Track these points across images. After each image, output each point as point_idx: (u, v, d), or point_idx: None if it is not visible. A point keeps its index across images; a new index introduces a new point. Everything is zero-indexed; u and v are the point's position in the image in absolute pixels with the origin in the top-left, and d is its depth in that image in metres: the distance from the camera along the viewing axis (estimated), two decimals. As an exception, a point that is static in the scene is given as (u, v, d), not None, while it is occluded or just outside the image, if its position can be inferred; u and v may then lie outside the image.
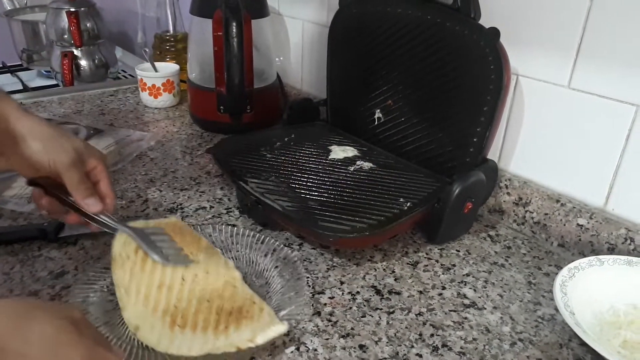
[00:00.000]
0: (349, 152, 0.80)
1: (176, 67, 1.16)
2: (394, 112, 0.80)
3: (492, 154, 0.73)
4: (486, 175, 0.69)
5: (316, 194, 0.69)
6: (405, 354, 0.53)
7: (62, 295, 0.58)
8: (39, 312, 0.40)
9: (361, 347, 0.53)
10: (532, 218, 0.73)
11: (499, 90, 0.66)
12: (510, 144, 0.76)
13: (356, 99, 0.85)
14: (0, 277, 0.61)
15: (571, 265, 0.59)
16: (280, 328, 0.51)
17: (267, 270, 0.62)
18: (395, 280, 0.63)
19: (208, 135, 1.03)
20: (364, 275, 0.64)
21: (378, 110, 0.82)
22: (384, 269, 0.65)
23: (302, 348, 0.53)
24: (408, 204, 0.66)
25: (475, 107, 0.68)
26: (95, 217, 0.58)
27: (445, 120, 0.73)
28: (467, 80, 0.69)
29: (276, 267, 0.62)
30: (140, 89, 1.15)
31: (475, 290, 0.62)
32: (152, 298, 0.53)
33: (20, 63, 1.56)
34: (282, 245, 0.64)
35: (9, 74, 1.52)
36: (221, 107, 0.98)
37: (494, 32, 0.65)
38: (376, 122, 0.83)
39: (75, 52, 1.36)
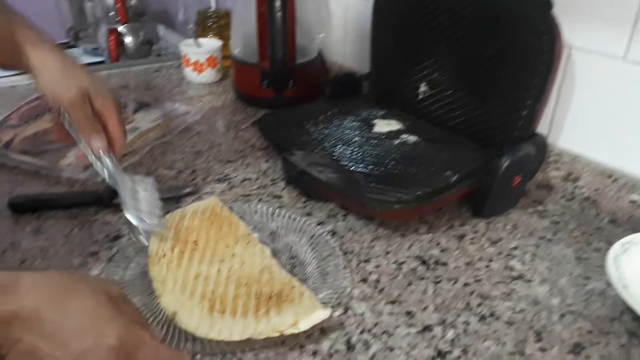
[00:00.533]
0: (393, 125, 0.80)
1: (219, 43, 1.17)
2: (440, 85, 0.79)
3: (541, 128, 0.71)
4: (535, 149, 0.68)
5: (361, 165, 0.69)
6: (452, 322, 0.53)
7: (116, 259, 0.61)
8: (80, 286, 0.41)
9: (408, 313, 0.54)
10: (582, 194, 0.72)
11: (551, 61, 0.65)
12: (560, 118, 0.74)
13: (400, 72, 0.85)
14: (61, 238, 0.65)
15: (624, 239, 0.58)
16: (323, 313, 0.50)
17: (303, 253, 0.62)
18: (441, 251, 0.63)
19: (251, 110, 1.04)
20: (410, 246, 0.64)
21: (423, 84, 0.81)
22: (429, 241, 0.65)
23: (349, 312, 0.54)
24: (455, 177, 0.66)
25: (526, 79, 0.67)
26: (99, 158, 0.61)
27: (494, 93, 0.72)
28: (518, 51, 0.68)
29: (312, 248, 0.62)
30: (184, 65, 1.17)
31: (523, 263, 0.62)
32: (189, 286, 0.53)
33: (67, 41, 1.60)
34: (317, 226, 0.65)
35: (57, 52, 1.57)
36: (264, 82, 0.99)
37: (547, 3, 0.63)
38: (421, 96, 0.82)
39: (121, 29, 1.40)
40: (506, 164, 0.65)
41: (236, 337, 0.48)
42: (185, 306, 0.51)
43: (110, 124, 0.61)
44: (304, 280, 0.56)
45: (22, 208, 0.69)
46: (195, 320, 0.50)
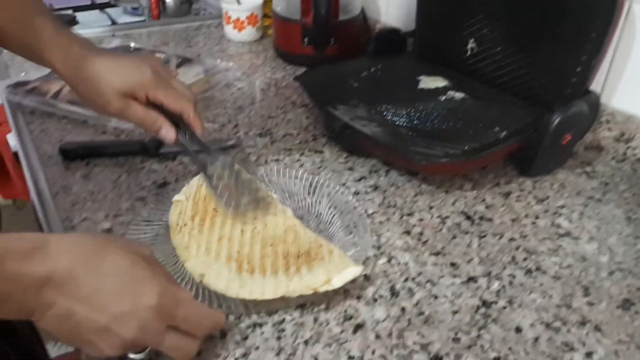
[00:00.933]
0: (439, 82, 0.78)
1: (260, 0, 1.16)
2: (489, 41, 0.77)
3: (594, 86, 0.69)
4: (588, 107, 0.66)
5: (406, 120, 0.68)
6: (497, 274, 0.53)
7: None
8: (112, 247, 0.40)
9: (452, 264, 0.54)
10: (635, 155, 0.69)
11: (610, 15, 0.62)
12: (615, 76, 0.71)
13: (448, 29, 0.82)
14: (109, 184, 0.66)
15: (680, 199, 0.56)
16: (356, 269, 0.49)
17: (326, 214, 0.60)
18: (486, 208, 0.63)
19: (291, 68, 1.03)
20: (454, 202, 0.64)
21: (471, 40, 0.79)
22: (474, 197, 0.64)
23: (393, 261, 0.54)
24: (504, 133, 0.64)
25: (582, 33, 0.64)
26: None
27: (547, 48, 0.69)
28: (575, 5, 0.65)
29: (334, 207, 0.60)
30: (224, 23, 1.16)
31: (570, 221, 0.61)
32: (213, 249, 0.52)
33: (108, 0, 1.62)
34: (339, 188, 0.63)
35: (97, 11, 1.59)
36: (305, 39, 0.98)
37: (610, -49, 0.60)
38: (469, 53, 0.80)
39: (161, -12, 1.40)
40: (557, 120, 0.63)
41: (269, 295, 0.47)
42: (212, 268, 0.50)
43: (166, 104, 0.56)
44: (329, 239, 0.55)
45: (72, 155, 0.71)
46: (224, 280, 0.49)
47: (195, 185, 0.60)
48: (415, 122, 0.68)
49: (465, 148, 0.62)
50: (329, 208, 0.61)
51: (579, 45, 0.65)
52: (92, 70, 0.53)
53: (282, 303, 0.48)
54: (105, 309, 0.37)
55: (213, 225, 0.54)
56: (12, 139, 1.33)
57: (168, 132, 0.55)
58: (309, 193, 0.63)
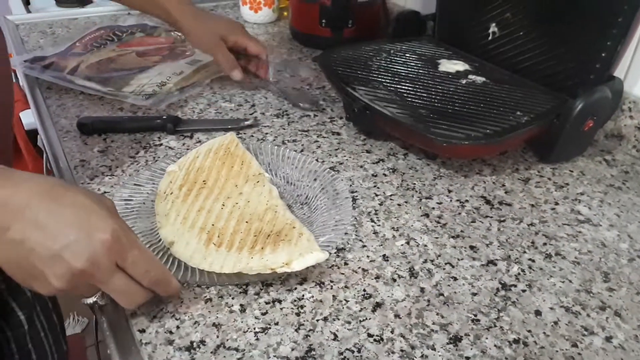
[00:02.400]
0: (460, 66, 0.77)
1: (277, -19, 1.15)
2: (511, 25, 0.76)
3: (617, 73, 0.68)
4: (611, 93, 0.65)
5: (427, 102, 0.68)
6: (517, 258, 0.53)
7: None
8: (75, 188, 0.40)
9: (472, 247, 0.54)
10: (657, 144, 0.69)
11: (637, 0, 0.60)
12: (639, 63, 0.70)
13: (469, 12, 0.81)
14: (127, 159, 0.66)
15: None
16: (319, 255, 0.47)
17: (314, 197, 0.59)
18: (505, 193, 0.62)
19: (307, 51, 1.03)
20: (473, 186, 0.63)
21: (493, 24, 0.78)
22: (493, 182, 0.64)
23: (411, 243, 0.54)
24: (525, 118, 0.64)
25: (609, 18, 0.63)
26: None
27: (571, 33, 0.68)
28: (602, -12, 0.64)
29: (322, 190, 0.59)
30: (240, 3, 1.15)
31: (590, 208, 0.60)
32: (191, 218, 0.53)
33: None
34: (329, 169, 0.62)
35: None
36: (323, 21, 0.97)
37: None
38: (490, 37, 0.79)
39: (177, -34, 1.38)
40: (580, 106, 0.62)
41: (227, 269, 0.48)
42: (184, 237, 0.51)
43: (249, 47, 0.84)
44: (311, 223, 0.55)
45: (90, 129, 0.71)
46: (190, 250, 0.50)
47: (192, 157, 0.61)
48: (436, 104, 0.67)
49: (487, 131, 0.61)
50: (319, 191, 0.59)
51: (604, 29, 0.64)
52: (201, 15, 0.82)
53: (240, 279, 0.48)
54: (59, 236, 0.37)
55: (198, 197, 0.55)
56: (25, 117, 1.34)
57: (238, 73, 0.83)
58: (303, 173, 0.62)
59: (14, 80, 1.47)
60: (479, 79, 0.74)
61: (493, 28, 0.78)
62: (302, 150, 0.69)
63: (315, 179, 0.61)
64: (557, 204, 0.61)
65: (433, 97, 0.69)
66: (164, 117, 0.73)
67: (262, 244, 0.50)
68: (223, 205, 0.54)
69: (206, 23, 0.81)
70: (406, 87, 0.72)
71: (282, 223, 0.52)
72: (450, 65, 0.78)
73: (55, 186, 0.39)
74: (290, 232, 0.50)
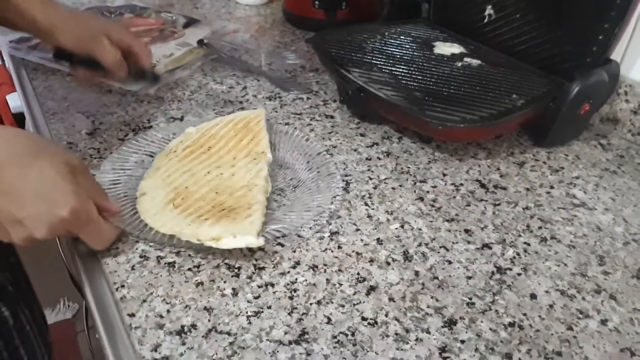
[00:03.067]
0: (455, 48, 0.76)
1: (269, -38, 1.13)
2: (507, 8, 0.74)
3: (614, 56, 0.67)
4: (608, 76, 0.64)
5: (422, 85, 0.67)
6: (512, 241, 0.52)
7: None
8: (43, 154, 0.42)
9: (466, 231, 0.53)
10: (652, 128, 0.68)
11: (636, -19, 0.60)
12: (636, 46, 0.69)
13: (465, -6, 0.80)
14: (116, 141, 0.65)
15: (700, 172, 0.55)
16: (251, 240, 0.47)
17: (306, 180, 0.58)
18: (500, 176, 0.62)
19: (300, 33, 1.01)
20: (468, 170, 0.63)
21: (489, 7, 0.77)
22: (488, 166, 0.63)
23: (406, 226, 0.53)
24: (521, 101, 0.63)
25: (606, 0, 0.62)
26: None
27: (568, 16, 0.67)
28: (600, -31, 0.63)
29: (315, 180, 0.58)
30: (232, -16, 1.13)
31: (585, 192, 0.60)
32: (173, 177, 0.55)
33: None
34: (325, 153, 0.61)
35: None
36: (316, 2, 0.96)
37: None
38: (486, 20, 0.78)
39: (166, -53, 1.35)
40: (577, 89, 0.62)
41: (164, 230, 0.49)
42: (154, 192, 0.53)
43: (133, 46, 0.65)
44: (288, 206, 0.55)
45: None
46: (150, 204, 0.52)
47: (213, 124, 0.63)
48: (431, 87, 0.66)
49: (483, 114, 0.60)
50: (312, 179, 0.58)
51: (602, 12, 0.63)
52: (78, 13, 0.69)
53: (173, 242, 0.49)
54: (22, 207, 0.40)
55: (193, 160, 0.57)
56: (12, 100, 1.31)
57: (122, 66, 0.64)
58: (307, 160, 0.62)
59: None
60: (475, 62, 0.73)
61: (489, 10, 0.77)
62: (279, 136, 0.68)
63: (308, 161, 0.61)
64: (552, 187, 0.60)
65: (428, 79, 0.68)
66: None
67: (209, 216, 0.50)
68: (208, 172, 0.55)
69: (84, 19, 0.66)
70: (401, 70, 0.70)
71: (244, 202, 0.52)
72: (446, 48, 0.76)
73: (25, 155, 0.41)
74: (242, 212, 0.50)
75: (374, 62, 0.73)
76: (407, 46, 0.78)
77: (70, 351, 1.39)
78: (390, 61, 0.73)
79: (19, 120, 1.39)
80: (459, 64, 0.72)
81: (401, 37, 0.81)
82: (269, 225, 0.51)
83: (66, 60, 0.66)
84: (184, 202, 0.52)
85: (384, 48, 0.77)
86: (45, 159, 0.42)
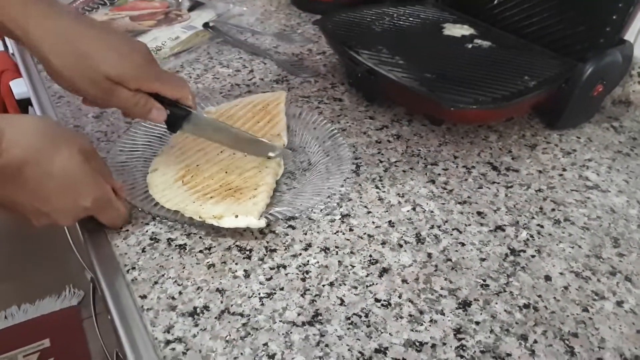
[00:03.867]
0: (465, 30, 0.75)
1: (274, -56, 1.11)
2: (518, -12, 0.73)
3: (627, 37, 0.66)
4: (622, 57, 0.63)
5: (433, 66, 0.66)
6: (525, 224, 0.52)
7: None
8: (61, 141, 0.43)
9: (479, 213, 0.53)
10: (666, 110, 0.67)
11: (652, -41, 0.58)
12: (651, 28, 0.68)
13: (475, -26, 0.79)
14: (123, 124, 0.64)
15: None
16: (252, 221, 0.47)
17: (317, 163, 0.58)
18: (512, 159, 0.61)
19: (306, 16, 0.99)
20: (479, 152, 0.62)
21: (500, -13, 0.76)
22: (500, 148, 0.63)
23: (418, 209, 0.53)
24: (533, 82, 0.62)
25: (622, -22, 0.61)
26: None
27: (581, -5, 0.66)
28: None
29: (328, 166, 0.57)
30: (236, -33, 1.11)
31: (598, 174, 0.59)
32: (186, 155, 0.56)
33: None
34: (337, 135, 0.60)
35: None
36: (323, -15, 0.94)
37: None
38: (496, 1, 0.76)
39: None
40: (590, 70, 0.61)
41: (168, 205, 0.50)
42: (167, 168, 0.54)
43: (164, 93, 0.49)
44: (297, 189, 0.54)
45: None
46: (160, 180, 0.53)
47: (233, 104, 0.63)
48: (442, 68, 0.65)
49: (495, 95, 0.59)
50: (326, 161, 0.58)
51: (616, -9, 0.62)
52: (81, 45, 0.45)
53: (176, 217, 0.49)
54: (47, 202, 0.42)
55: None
56: (15, 86, 1.30)
57: (160, 113, 0.50)
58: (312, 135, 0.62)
59: (1, 49, 1.43)
60: (485, 44, 0.72)
61: (500, -9, 0.76)
62: (296, 118, 0.67)
63: (319, 145, 0.60)
64: (564, 170, 0.59)
65: (438, 61, 0.67)
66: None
67: (214, 194, 0.50)
68: (221, 152, 0.56)
69: (84, 58, 0.45)
70: (411, 51, 0.69)
71: (252, 182, 0.52)
72: (456, 30, 0.75)
73: (45, 148, 0.42)
74: (248, 192, 0.50)
75: (383, 43, 0.71)
76: (416, 28, 0.77)
77: (77, 338, 1.40)
78: (400, 43, 0.72)
79: (22, 106, 1.38)
80: (469, 46, 0.71)
81: (410, 18, 0.79)
82: (275, 207, 0.51)
83: None
84: (192, 180, 0.52)
85: (393, 30, 0.76)
86: (63, 151, 0.42)
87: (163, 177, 0.53)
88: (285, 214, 0.50)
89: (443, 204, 0.54)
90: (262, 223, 0.47)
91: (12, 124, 0.40)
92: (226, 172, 0.53)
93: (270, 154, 0.54)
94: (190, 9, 0.93)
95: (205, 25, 0.87)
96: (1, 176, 0.40)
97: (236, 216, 0.47)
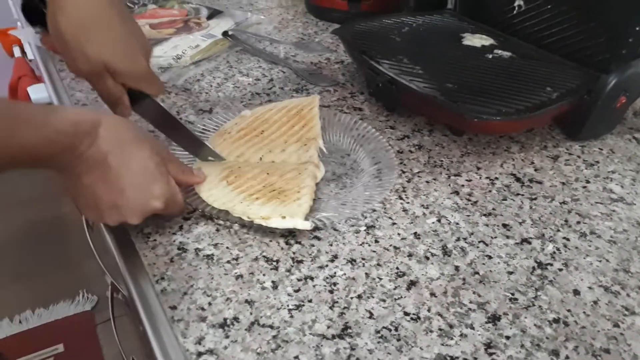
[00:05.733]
0: (485, 40, 0.75)
1: (290, -48, 1.12)
2: (539, -1, 0.73)
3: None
4: (645, 69, 0.63)
5: (454, 77, 0.66)
6: (551, 236, 0.51)
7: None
8: (144, 140, 0.47)
9: (504, 225, 0.53)
10: (689, 121, 0.67)
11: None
12: (673, 39, 0.68)
13: (494, -15, 0.79)
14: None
15: None
16: (299, 222, 0.48)
17: (366, 169, 0.58)
18: (535, 170, 0.61)
19: (323, 24, 1.00)
20: (502, 164, 0.62)
21: (520, -3, 0.76)
22: (522, 160, 0.63)
23: (443, 220, 0.53)
24: (556, 94, 0.62)
25: (645, -10, 0.61)
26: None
27: (602, 6, 0.66)
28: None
29: (375, 168, 0.58)
30: (253, -25, 1.12)
31: (622, 186, 0.59)
32: (227, 158, 0.58)
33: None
34: (388, 145, 0.60)
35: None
36: (340, -7, 0.95)
37: None
38: (515, 11, 0.77)
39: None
40: (613, 82, 0.61)
41: (216, 204, 0.51)
42: (209, 169, 0.55)
43: (145, 90, 0.54)
44: (336, 196, 0.55)
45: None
46: (206, 181, 0.54)
47: (267, 108, 0.65)
48: (463, 79, 0.65)
49: (519, 107, 0.59)
50: (371, 165, 0.59)
51: (638, 2, 0.61)
52: (95, 23, 0.49)
53: (225, 217, 0.51)
54: (121, 196, 0.45)
55: (247, 143, 0.60)
56: (33, 92, 1.31)
57: (124, 112, 0.54)
58: (361, 144, 0.63)
59: (18, 55, 1.44)
60: (506, 54, 0.72)
61: (519, 1, 0.76)
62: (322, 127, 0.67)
63: (371, 152, 0.61)
64: (588, 182, 0.59)
65: (459, 71, 0.67)
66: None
67: (260, 195, 0.52)
68: (261, 158, 0.58)
69: (90, 38, 0.49)
70: (431, 61, 0.69)
71: (294, 184, 0.53)
72: (475, 40, 0.75)
73: (129, 145, 0.45)
74: (292, 194, 0.52)
75: (403, 53, 0.72)
76: (435, 37, 0.77)
77: (90, 343, 1.40)
78: (420, 52, 0.72)
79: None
80: (490, 56, 0.71)
81: (429, 28, 0.80)
82: (321, 212, 0.52)
83: (40, 24, 0.54)
84: (236, 180, 0.53)
85: (413, 39, 0.76)
86: (145, 149, 0.46)
87: (208, 177, 0.54)
88: (331, 220, 0.51)
89: (468, 215, 0.54)
90: (307, 225, 0.48)
91: (107, 118, 0.45)
92: (267, 174, 0.54)
93: (210, 159, 0.58)
94: (209, 17, 0.94)
95: (225, 33, 0.88)
96: (91, 162, 0.43)
97: (283, 217, 0.48)
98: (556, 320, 0.43)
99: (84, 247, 1.74)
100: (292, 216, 0.48)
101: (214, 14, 0.95)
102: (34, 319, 1.45)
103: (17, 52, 1.40)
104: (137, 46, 0.52)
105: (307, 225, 0.48)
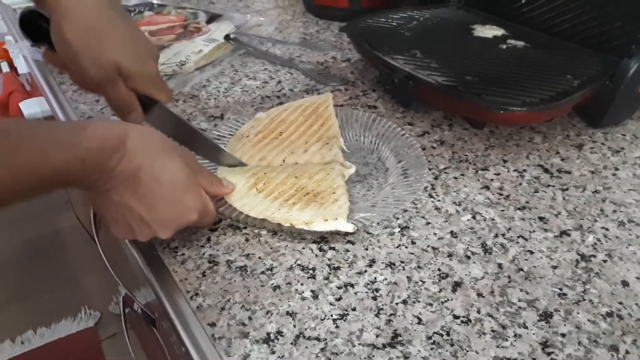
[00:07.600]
0: (496, 31, 0.74)
1: (284, -48, 1.10)
2: (549, -14, 0.72)
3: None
4: (664, 52, 0.62)
5: (472, 69, 0.64)
6: (590, 227, 0.50)
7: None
8: (174, 152, 0.44)
9: (541, 218, 0.51)
10: None
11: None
12: (688, 20, 0.67)
13: (501, -26, 0.78)
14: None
15: None
16: (342, 224, 0.47)
17: (392, 166, 0.57)
18: (561, 160, 0.60)
19: (324, 23, 0.98)
20: (527, 155, 0.61)
21: (529, -14, 0.75)
22: (547, 150, 0.61)
23: (478, 217, 0.51)
24: (577, 81, 0.61)
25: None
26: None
27: (618, -10, 0.65)
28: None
29: (400, 163, 0.56)
30: (247, -23, 1.10)
31: (652, 172, 0.58)
32: (249, 163, 0.56)
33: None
34: (412, 142, 0.58)
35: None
36: (341, -9, 0.93)
37: None
38: (524, 0, 0.76)
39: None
40: (635, 67, 0.60)
41: (253, 213, 0.49)
42: (235, 177, 0.53)
43: (154, 97, 0.53)
44: (371, 190, 0.54)
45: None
46: (234, 189, 0.52)
47: (282, 109, 0.63)
48: (481, 71, 0.64)
49: (542, 97, 0.58)
50: (396, 162, 0.57)
51: (656, -15, 0.61)
52: (102, 26, 0.48)
53: (261, 224, 0.49)
54: (153, 210, 0.43)
55: (267, 146, 0.58)
56: (26, 107, 1.27)
57: (137, 118, 0.53)
58: (384, 142, 0.61)
59: (6, 70, 1.40)
60: (519, 44, 0.71)
61: (528, -10, 0.75)
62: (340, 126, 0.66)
63: (396, 148, 0.59)
64: (617, 169, 0.58)
65: (475, 63, 0.66)
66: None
67: (296, 200, 0.50)
68: (284, 160, 0.56)
69: (100, 39, 0.48)
70: (445, 54, 0.68)
71: (326, 185, 0.52)
72: (486, 31, 0.74)
73: (160, 157, 0.43)
74: (328, 196, 0.50)
75: (416, 47, 0.70)
76: (445, 30, 0.76)
77: (96, 359, 1.37)
78: (432, 46, 0.71)
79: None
80: (504, 47, 0.70)
81: (437, 21, 0.78)
82: (359, 213, 0.50)
83: (42, 41, 0.51)
84: (266, 187, 0.52)
85: (422, 33, 0.75)
86: (175, 161, 0.43)
87: (236, 187, 0.52)
88: (370, 220, 0.49)
89: (502, 210, 0.52)
90: (350, 226, 0.47)
91: (134, 129, 0.42)
92: (296, 177, 0.52)
93: (230, 163, 0.56)
94: (209, 21, 0.91)
95: (227, 37, 0.86)
96: (121, 178, 0.41)
97: (325, 220, 0.47)
98: (609, 314, 0.42)
99: (83, 262, 1.70)
100: (334, 218, 0.47)
101: (213, 18, 0.92)
102: (36, 339, 1.41)
103: (5, 67, 1.36)
104: (145, 49, 0.52)
105: (350, 227, 0.47)
